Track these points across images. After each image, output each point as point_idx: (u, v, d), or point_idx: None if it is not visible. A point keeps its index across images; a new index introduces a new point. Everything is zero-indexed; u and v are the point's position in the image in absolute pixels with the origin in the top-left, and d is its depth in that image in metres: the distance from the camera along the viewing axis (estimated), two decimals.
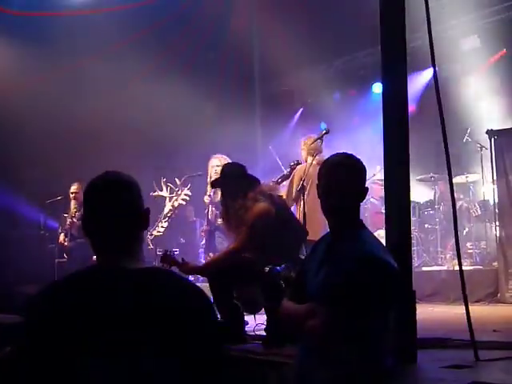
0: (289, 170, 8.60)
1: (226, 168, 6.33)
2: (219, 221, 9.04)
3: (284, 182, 9.08)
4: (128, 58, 12.54)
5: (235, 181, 6.05)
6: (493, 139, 9.69)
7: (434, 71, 3.40)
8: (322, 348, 2.97)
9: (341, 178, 3.18)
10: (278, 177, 8.59)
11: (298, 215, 7.53)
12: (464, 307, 3.49)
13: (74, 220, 10.91)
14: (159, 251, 10.22)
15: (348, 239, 3.10)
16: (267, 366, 4.57)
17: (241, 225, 5.87)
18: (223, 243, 8.98)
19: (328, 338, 2.93)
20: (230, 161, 9.29)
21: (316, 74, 14.73)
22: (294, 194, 8.14)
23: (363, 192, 3.19)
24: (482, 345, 4.35)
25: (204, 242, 9.24)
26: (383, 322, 2.98)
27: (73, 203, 11.07)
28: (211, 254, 9.13)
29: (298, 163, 8.19)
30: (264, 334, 5.70)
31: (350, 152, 3.32)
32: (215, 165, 9.19)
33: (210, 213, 9.14)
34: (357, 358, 2.91)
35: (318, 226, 6.83)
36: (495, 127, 9.96)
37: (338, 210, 3.18)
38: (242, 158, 13.67)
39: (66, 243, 10.95)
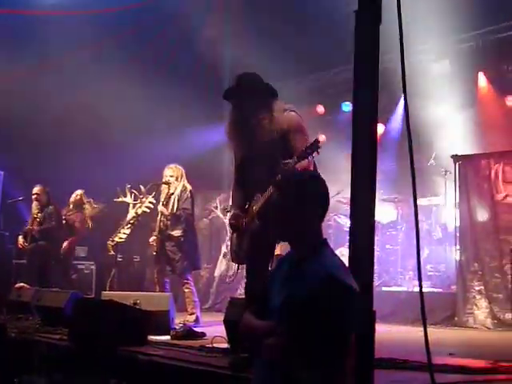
0: None
1: (242, 76, 5.48)
2: (173, 232, 9.00)
3: None
4: (97, 61, 12.50)
5: (256, 89, 5.40)
6: (457, 164, 9.82)
7: (405, 94, 3.42)
8: (279, 367, 2.95)
9: (278, 198, 3.21)
10: None
11: None
12: (421, 329, 3.50)
13: (36, 222, 10.80)
14: (119, 257, 10.16)
15: (309, 259, 3.08)
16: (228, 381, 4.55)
17: (262, 139, 5.24)
18: (176, 253, 8.94)
19: (285, 358, 2.91)
20: (183, 170, 9.26)
21: (285, 90, 14.78)
22: None
23: (310, 210, 3.15)
24: (439, 368, 4.38)
25: (155, 251, 9.13)
26: (342, 345, 2.95)
27: (34, 205, 10.97)
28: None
29: None
30: (221, 346, 5.69)
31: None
32: (168, 175, 9.16)
33: (161, 223, 9.08)
34: (313, 381, 2.88)
35: None
36: (460, 152, 10.08)
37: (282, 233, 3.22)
38: (208, 169, 13.79)
39: (25, 245, 10.82)
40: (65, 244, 11.25)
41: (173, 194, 9.04)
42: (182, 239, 8.95)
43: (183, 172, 9.21)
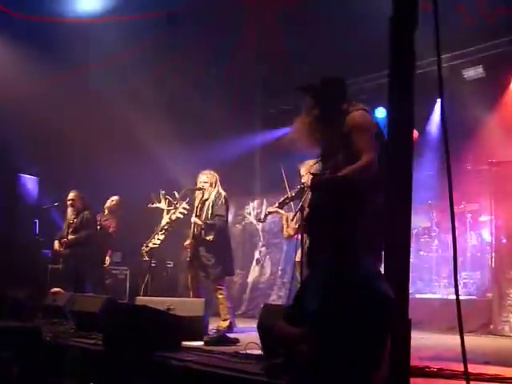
0: (294, 192, 8.59)
1: (325, 77, 5.49)
2: (207, 237, 9.00)
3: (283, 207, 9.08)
4: (129, 69, 12.59)
5: (337, 88, 5.41)
6: (493, 170, 9.72)
7: (442, 100, 3.39)
8: (312, 373, 2.94)
9: (319, 202, 3.19)
10: (282, 198, 8.59)
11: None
12: (456, 337, 3.46)
13: (71, 227, 10.87)
14: (153, 263, 10.20)
15: (346, 266, 3.07)
16: None
17: (330, 142, 5.18)
18: (210, 259, 8.95)
19: (317, 365, 2.90)
20: (217, 176, 9.27)
21: None
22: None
23: (347, 216, 3.13)
24: (474, 376, 4.33)
25: (189, 257, 9.14)
26: (375, 351, 2.93)
27: (70, 211, 11.04)
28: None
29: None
30: (254, 353, 5.69)
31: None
32: (203, 181, 9.18)
33: (195, 228, 9.09)
34: None
35: None
36: (496, 158, 9.99)
37: (319, 234, 3.21)
38: (241, 175, 13.80)
39: (61, 250, 10.89)
40: (108, 259, 11.40)
41: (207, 200, 9.05)
42: (215, 244, 8.96)
43: (217, 178, 9.22)
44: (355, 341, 2.83)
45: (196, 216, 9.07)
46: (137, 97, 13.00)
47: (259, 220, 12.14)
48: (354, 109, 5.21)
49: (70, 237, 10.77)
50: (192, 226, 9.12)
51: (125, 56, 12.94)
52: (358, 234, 3.18)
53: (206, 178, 9.19)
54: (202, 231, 9.01)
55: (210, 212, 8.99)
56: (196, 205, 9.17)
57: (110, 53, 12.80)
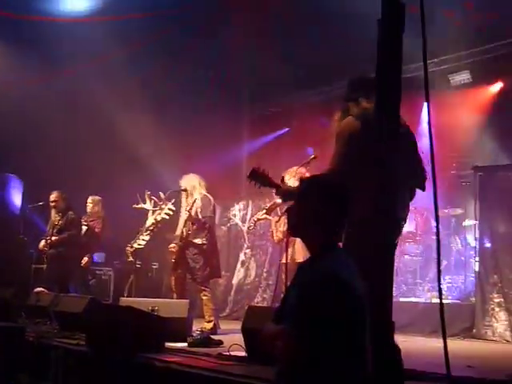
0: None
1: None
2: (195, 240, 9.00)
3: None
4: (116, 71, 12.52)
5: (351, 88, 5.01)
6: (478, 175, 9.75)
7: (428, 104, 3.41)
8: (288, 370, 2.94)
9: (297, 199, 3.23)
10: (269, 205, 8.61)
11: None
12: (439, 340, 3.47)
13: (56, 228, 10.77)
14: (138, 264, 10.17)
15: (319, 260, 3.08)
16: None
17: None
18: (198, 261, 8.95)
19: (292, 360, 2.90)
20: (200, 179, 9.24)
21: (304, 99, 14.74)
22: None
23: (321, 214, 3.12)
24: (457, 380, 4.34)
25: (174, 258, 9.11)
26: (346, 347, 2.90)
27: (53, 211, 10.93)
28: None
29: None
30: (238, 354, 5.69)
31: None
32: (185, 183, 9.17)
33: (184, 229, 9.06)
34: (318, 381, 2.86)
35: None
36: (480, 163, 10.03)
37: (292, 229, 3.25)
38: (228, 178, 13.78)
39: (45, 249, 10.80)
40: (85, 259, 11.24)
41: (193, 202, 9.02)
42: (205, 247, 8.95)
43: (200, 180, 9.19)
44: (319, 333, 2.82)
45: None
46: (125, 98, 12.94)
47: (248, 228, 12.22)
48: (352, 113, 4.79)
49: (53, 237, 10.67)
50: (180, 226, 9.09)
51: (113, 57, 12.88)
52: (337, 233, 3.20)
53: (190, 180, 9.18)
54: (191, 232, 8.99)
55: (198, 214, 8.97)
56: (184, 206, 9.15)
57: (99, 53, 12.74)
